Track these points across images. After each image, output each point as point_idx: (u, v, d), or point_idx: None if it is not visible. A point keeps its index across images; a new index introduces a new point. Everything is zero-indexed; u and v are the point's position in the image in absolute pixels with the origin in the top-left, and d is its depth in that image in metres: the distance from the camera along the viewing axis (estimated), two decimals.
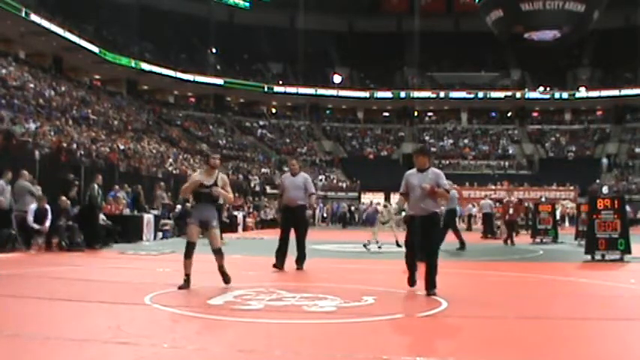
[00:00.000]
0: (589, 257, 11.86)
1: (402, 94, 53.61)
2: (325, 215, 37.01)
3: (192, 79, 48.76)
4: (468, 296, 6.39)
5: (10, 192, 12.63)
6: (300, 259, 9.78)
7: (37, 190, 13.44)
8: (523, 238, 19.63)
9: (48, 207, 12.86)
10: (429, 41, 50.47)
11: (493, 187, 39.04)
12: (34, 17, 35.12)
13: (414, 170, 7.26)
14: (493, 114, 55.60)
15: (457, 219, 16.15)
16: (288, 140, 51.30)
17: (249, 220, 26.89)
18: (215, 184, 7.35)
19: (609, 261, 11.61)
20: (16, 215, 12.60)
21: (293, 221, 9.81)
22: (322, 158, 49.49)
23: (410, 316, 5.75)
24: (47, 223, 12.70)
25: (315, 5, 50.58)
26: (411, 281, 7.30)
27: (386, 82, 54.10)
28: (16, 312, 5.88)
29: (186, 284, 7.27)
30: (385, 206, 16.63)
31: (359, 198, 42.61)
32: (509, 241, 17.06)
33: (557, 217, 23.39)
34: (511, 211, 17.27)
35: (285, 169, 9.91)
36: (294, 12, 52.64)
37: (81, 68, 43.30)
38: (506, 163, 48.78)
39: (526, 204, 25.90)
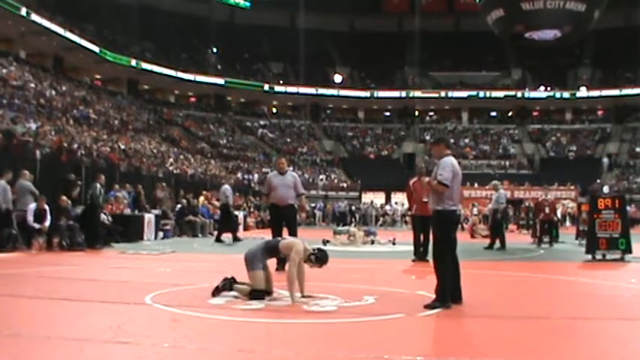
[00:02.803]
0: (590, 257, 11.85)
1: (403, 94, 53.60)
2: (326, 215, 36.98)
3: (192, 79, 48.75)
4: (468, 296, 6.37)
5: (11, 192, 12.66)
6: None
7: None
8: (523, 238, 19.63)
9: (47, 207, 12.87)
10: (429, 41, 50.45)
11: None
12: (34, 17, 35.11)
13: None
14: (494, 113, 55.56)
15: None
16: (288, 140, 51.29)
17: (250, 220, 26.89)
18: None
19: (610, 260, 11.61)
20: (16, 215, 12.61)
21: (283, 220, 9.64)
22: (323, 158, 49.48)
23: (410, 315, 5.74)
24: (47, 223, 12.71)
25: (316, 5, 50.54)
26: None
27: (386, 81, 54.09)
28: (16, 312, 5.88)
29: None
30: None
31: (360, 198, 42.62)
32: (549, 241, 16.58)
33: (558, 216, 23.37)
34: (547, 210, 17.08)
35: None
36: (294, 11, 52.60)
37: (81, 68, 43.29)
38: (507, 163, 48.75)
39: (527, 203, 25.93)
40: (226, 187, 18.39)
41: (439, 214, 6.33)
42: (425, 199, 11.08)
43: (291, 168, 10.37)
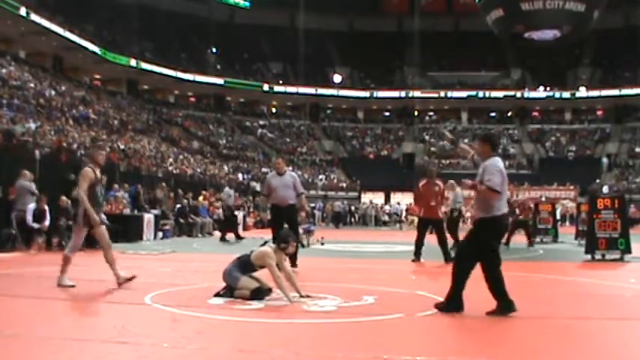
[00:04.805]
0: (589, 257, 11.86)
1: (402, 94, 53.62)
2: (325, 215, 36.96)
3: (192, 79, 48.78)
4: (468, 296, 6.36)
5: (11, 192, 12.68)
6: (294, 259, 9.52)
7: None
8: (522, 238, 19.59)
9: (47, 207, 12.86)
10: (429, 41, 50.48)
11: None
12: (34, 17, 35.11)
13: None
14: (493, 114, 55.59)
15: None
16: (288, 140, 51.32)
17: (249, 220, 26.88)
18: None
19: (609, 260, 11.61)
20: (16, 215, 12.60)
21: (284, 220, 9.60)
22: (322, 158, 49.50)
23: (410, 315, 5.74)
24: (46, 223, 12.69)
25: (315, 5, 50.56)
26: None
27: (386, 81, 54.13)
28: (16, 312, 5.88)
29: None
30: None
31: (359, 198, 42.63)
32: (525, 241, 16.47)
33: (558, 216, 23.38)
34: (517, 211, 17.08)
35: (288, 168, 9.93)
36: (294, 11, 52.62)
37: (81, 68, 43.30)
38: (507, 163, 48.61)
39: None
40: (227, 189, 19.31)
41: (484, 221, 5.83)
42: (432, 203, 11.07)
43: (290, 168, 10.34)
